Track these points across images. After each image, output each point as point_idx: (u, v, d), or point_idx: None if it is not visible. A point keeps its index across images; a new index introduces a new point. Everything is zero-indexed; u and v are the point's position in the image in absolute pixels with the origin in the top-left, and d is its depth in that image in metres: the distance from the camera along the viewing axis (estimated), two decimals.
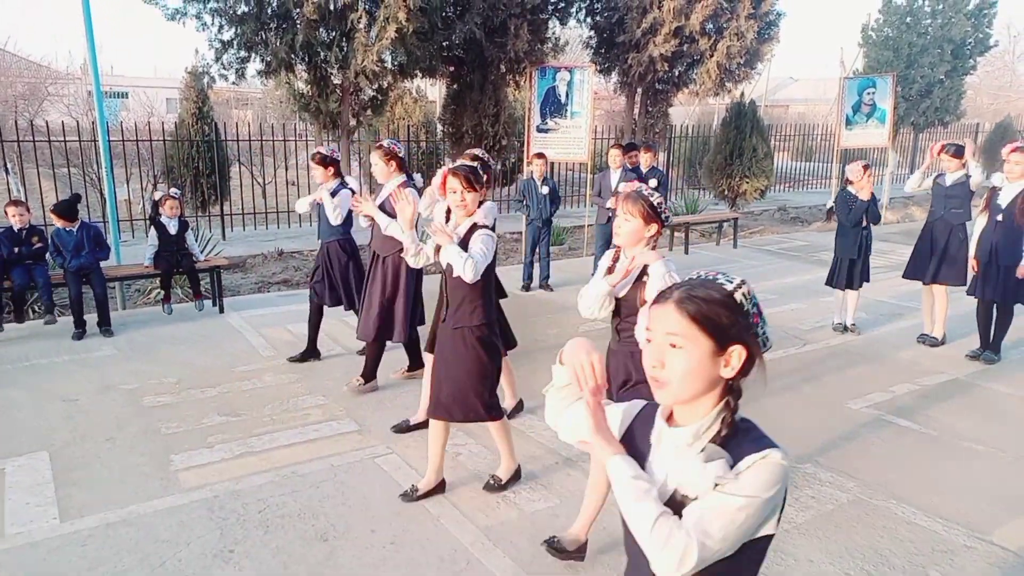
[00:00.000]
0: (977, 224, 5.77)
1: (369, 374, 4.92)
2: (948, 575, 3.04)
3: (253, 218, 12.29)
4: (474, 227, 3.39)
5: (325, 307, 5.48)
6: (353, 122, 9.02)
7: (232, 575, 2.96)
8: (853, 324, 6.58)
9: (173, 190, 6.97)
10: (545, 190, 7.55)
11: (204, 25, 8.25)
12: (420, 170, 14.69)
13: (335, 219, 5.22)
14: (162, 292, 6.74)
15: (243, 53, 8.34)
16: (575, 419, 1.49)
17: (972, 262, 5.80)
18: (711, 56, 10.18)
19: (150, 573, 2.96)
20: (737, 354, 1.30)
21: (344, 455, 4.03)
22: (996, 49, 19.64)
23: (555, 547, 3.06)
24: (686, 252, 10.25)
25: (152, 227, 6.63)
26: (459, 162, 3.68)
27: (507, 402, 4.46)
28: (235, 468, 3.86)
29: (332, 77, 8.53)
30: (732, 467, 1.27)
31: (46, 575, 2.95)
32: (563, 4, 9.98)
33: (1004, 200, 5.54)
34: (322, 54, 8.06)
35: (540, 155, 7.66)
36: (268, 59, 7.98)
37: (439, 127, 11.91)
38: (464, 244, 3.32)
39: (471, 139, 9.74)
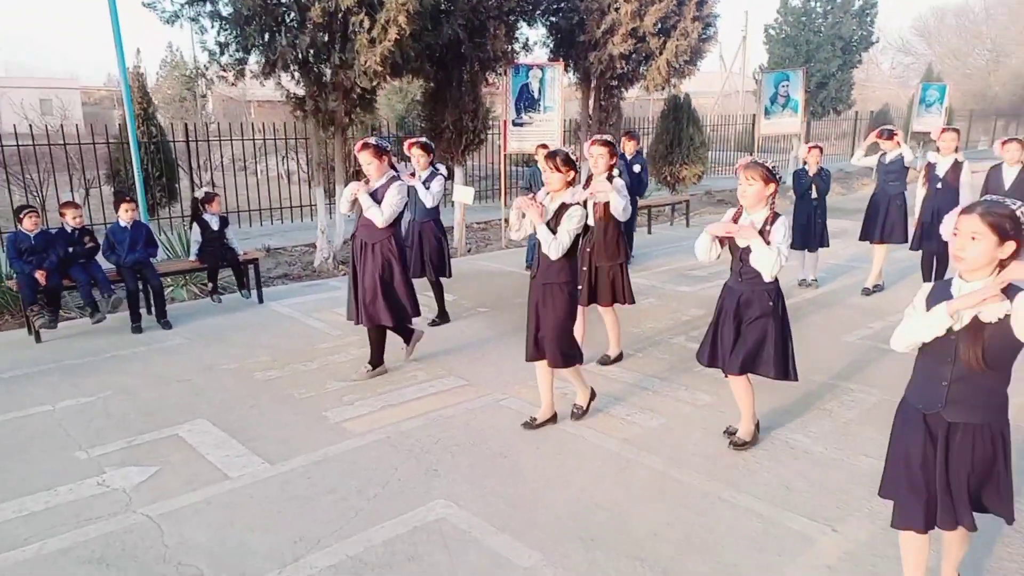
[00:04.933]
0: (919, 193, 7.08)
1: (377, 360, 5.19)
2: None
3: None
4: (563, 206, 3.94)
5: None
6: (346, 120, 9.47)
7: (450, 484, 3.65)
8: (814, 279, 7.82)
9: (206, 190, 7.28)
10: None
11: (202, 28, 8.49)
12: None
13: (430, 202, 6.19)
14: (209, 284, 7.08)
15: (240, 55, 8.64)
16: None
17: (915, 222, 7.11)
18: (661, 54, 11.29)
19: (383, 489, 3.60)
20: (1010, 246, 2.25)
21: (472, 402, 4.73)
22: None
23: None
24: (649, 232, 11.36)
25: (195, 224, 6.94)
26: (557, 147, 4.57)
27: (611, 351, 5.41)
28: (387, 416, 4.49)
29: (325, 77, 8.95)
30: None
31: (297, 497, 3.53)
32: (530, 7, 10.80)
33: (940, 171, 6.86)
34: (323, 55, 8.49)
35: (544, 146, 8.46)
36: (274, 59, 8.32)
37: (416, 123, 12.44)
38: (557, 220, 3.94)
39: (451, 134, 10.40)
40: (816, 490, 3.58)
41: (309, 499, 3.53)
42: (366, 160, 4.81)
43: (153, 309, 6.57)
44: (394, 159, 5.19)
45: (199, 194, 7.14)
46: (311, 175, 9.97)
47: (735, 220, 3.75)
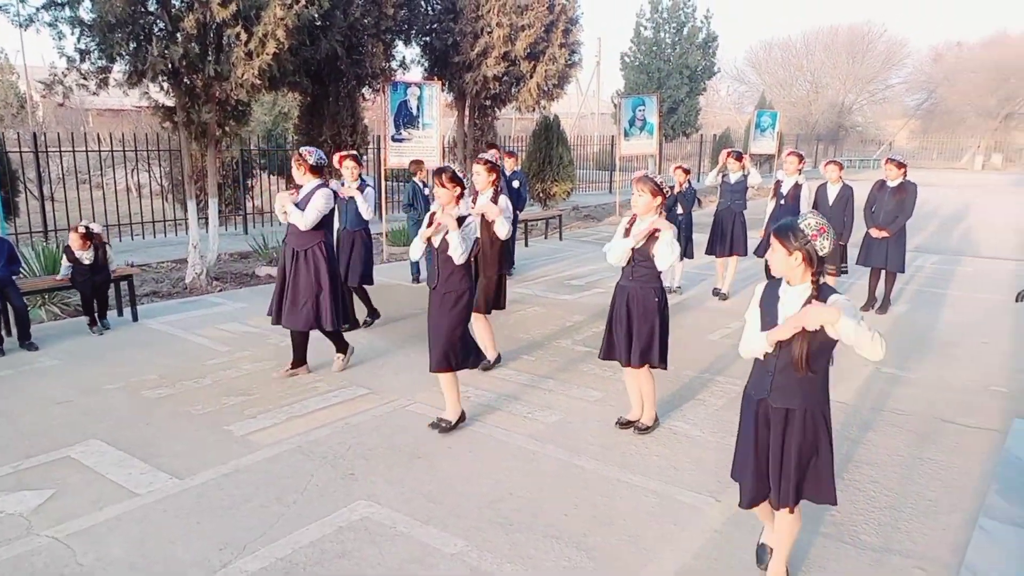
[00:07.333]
0: (768, 207, 7.99)
1: (300, 360, 5.47)
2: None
3: (44, 235, 11.29)
4: (460, 219, 4.18)
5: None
6: (219, 132, 9.22)
7: (368, 487, 3.78)
8: (678, 287, 8.58)
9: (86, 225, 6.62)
10: (428, 192, 8.60)
11: (60, 34, 7.98)
12: None
13: (367, 214, 6.56)
14: (87, 318, 6.60)
15: (103, 63, 8.21)
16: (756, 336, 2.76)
17: (763, 231, 8.00)
18: (531, 77, 11.88)
19: (301, 496, 3.67)
20: (797, 256, 2.60)
21: (377, 408, 4.85)
22: None
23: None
24: (526, 245, 11.85)
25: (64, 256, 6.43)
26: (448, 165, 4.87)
27: (490, 354, 5.58)
28: (294, 427, 4.52)
29: (198, 88, 8.68)
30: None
31: (214, 508, 3.52)
32: (406, 26, 11.03)
33: (785, 189, 7.78)
34: (197, 66, 8.25)
35: (419, 162, 8.71)
36: (143, 68, 7.98)
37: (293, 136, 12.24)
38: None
39: (330, 147, 10.36)
40: (699, 468, 4.06)
41: (227, 509, 3.53)
42: (296, 164, 5.22)
43: (15, 331, 6.10)
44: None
45: (81, 228, 6.50)
46: (183, 187, 9.56)
47: (631, 225, 4.18)
